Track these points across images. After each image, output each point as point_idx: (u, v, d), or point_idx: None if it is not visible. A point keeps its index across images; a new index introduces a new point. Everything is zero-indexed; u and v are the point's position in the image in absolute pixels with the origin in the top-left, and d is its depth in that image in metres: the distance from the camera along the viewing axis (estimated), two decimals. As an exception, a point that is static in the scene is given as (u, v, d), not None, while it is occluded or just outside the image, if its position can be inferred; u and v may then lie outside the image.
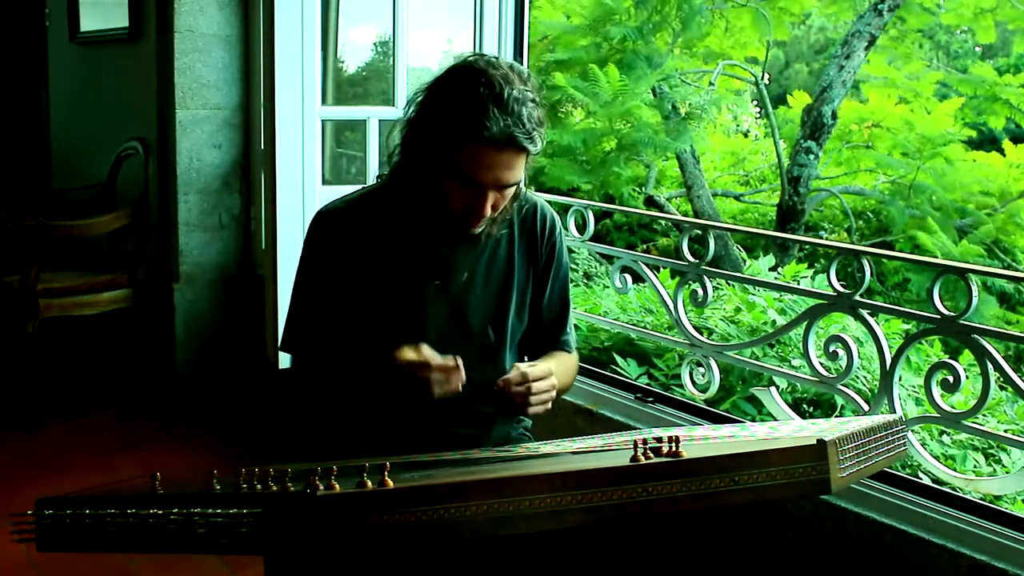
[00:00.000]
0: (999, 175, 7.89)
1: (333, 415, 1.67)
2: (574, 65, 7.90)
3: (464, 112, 1.44)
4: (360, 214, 1.62)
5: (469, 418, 1.62)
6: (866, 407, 2.10)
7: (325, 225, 1.62)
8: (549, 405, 1.56)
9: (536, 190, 2.34)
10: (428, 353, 1.48)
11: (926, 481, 2.02)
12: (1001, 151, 8.65)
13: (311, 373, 1.65)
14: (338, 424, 1.66)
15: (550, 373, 1.55)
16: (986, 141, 9.42)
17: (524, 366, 1.55)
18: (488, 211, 1.50)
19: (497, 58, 1.53)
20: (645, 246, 8.17)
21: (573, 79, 7.52)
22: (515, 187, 1.53)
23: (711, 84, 8.40)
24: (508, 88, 1.45)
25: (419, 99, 1.54)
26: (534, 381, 1.52)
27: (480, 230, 1.57)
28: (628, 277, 2.76)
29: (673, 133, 7.53)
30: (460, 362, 1.47)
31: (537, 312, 1.72)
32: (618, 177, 7.58)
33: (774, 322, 3.33)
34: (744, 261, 7.02)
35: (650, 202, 8.15)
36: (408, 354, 1.47)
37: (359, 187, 1.77)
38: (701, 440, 1.40)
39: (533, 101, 1.47)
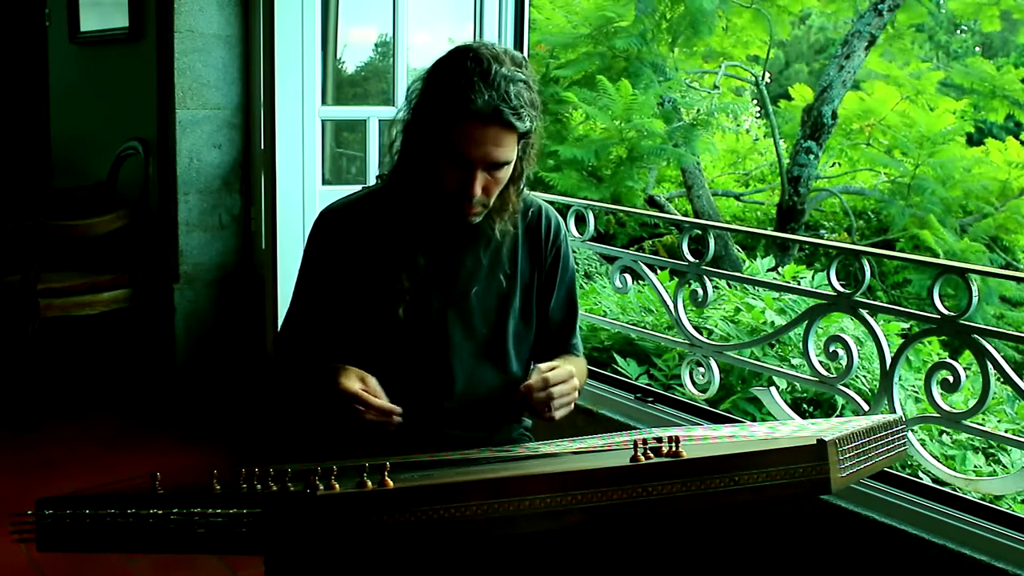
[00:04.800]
0: (999, 171, 7.88)
1: (304, 412, 1.68)
2: (578, 74, 7.90)
3: (452, 88, 1.46)
4: (364, 213, 1.62)
5: (473, 422, 1.62)
6: (866, 407, 2.10)
7: (329, 223, 1.63)
8: (572, 407, 1.55)
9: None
10: (373, 388, 1.49)
11: (926, 481, 2.02)
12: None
13: (289, 370, 1.66)
14: (338, 424, 1.66)
15: (571, 375, 1.55)
16: (986, 138, 9.42)
17: (545, 367, 1.54)
18: (478, 191, 1.49)
19: (493, 44, 1.55)
20: (651, 242, 8.17)
21: (582, 92, 7.52)
22: (506, 168, 1.52)
23: (715, 87, 8.40)
24: (496, 65, 1.46)
25: (416, 86, 1.56)
26: (554, 385, 1.52)
27: (477, 219, 1.57)
28: (628, 277, 2.76)
29: (681, 140, 7.53)
30: (400, 412, 1.48)
31: (544, 317, 1.71)
32: (630, 190, 7.59)
33: (773, 323, 3.33)
34: (744, 262, 7.02)
35: (651, 202, 8.15)
36: (351, 384, 1.48)
37: (361, 187, 1.77)
38: (701, 440, 1.40)
39: (524, 83, 1.48)
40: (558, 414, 1.53)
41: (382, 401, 1.49)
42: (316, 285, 1.63)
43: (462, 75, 1.45)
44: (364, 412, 1.47)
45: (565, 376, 1.54)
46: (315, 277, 1.63)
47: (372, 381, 1.50)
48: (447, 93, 1.47)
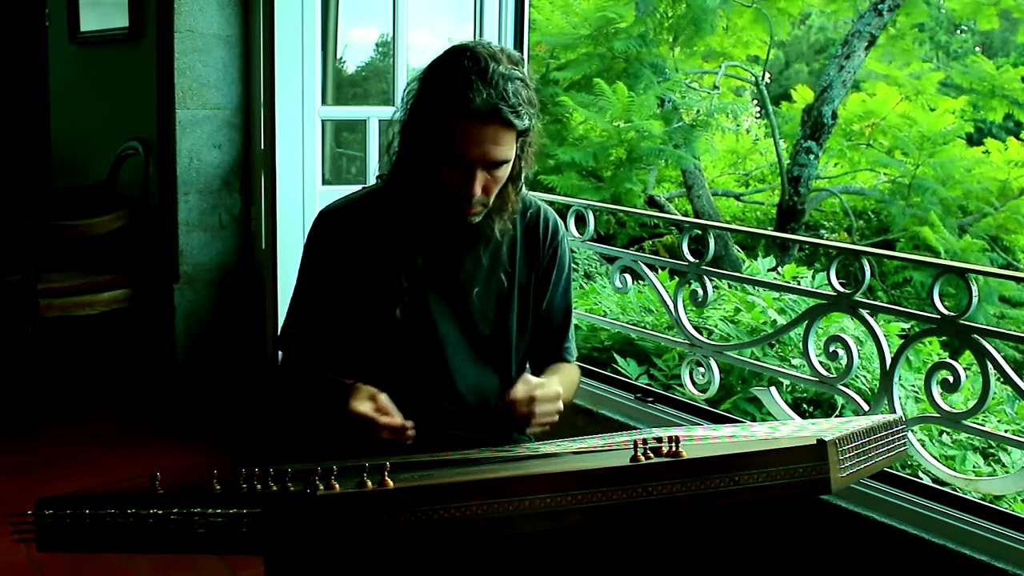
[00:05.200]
0: (999, 171, 7.88)
1: (315, 415, 1.68)
2: (578, 75, 7.89)
3: (450, 87, 1.45)
4: (363, 212, 1.62)
5: (473, 423, 1.62)
6: (866, 407, 2.10)
7: (328, 223, 1.63)
8: (548, 428, 1.55)
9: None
10: (384, 405, 1.48)
11: (926, 481, 2.02)
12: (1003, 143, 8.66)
13: (299, 372, 1.66)
14: (338, 424, 1.66)
15: (558, 396, 1.54)
16: (985, 138, 9.43)
17: (535, 381, 1.53)
18: (477, 190, 1.49)
19: (490, 42, 1.55)
20: (651, 242, 8.18)
21: (579, 95, 7.51)
22: (505, 167, 1.52)
23: (715, 87, 8.39)
24: (493, 64, 1.46)
25: (414, 86, 1.55)
26: (540, 403, 1.51)
27: (476, 219, 1.56)
28: (628, 277, 2.76)
29: (680, 141, 7.52)
30: (411, 425, 1.47)
31: (538, 317, 1.71)
32: (630, 191, 7.58)
33: (774, 322, 3.33)
34: (743, 262, 7.02)
35: (651, 202, 8.15)
36: (361, 407, 1.47)
37: (361, 187, 1.77)
38: (701, 440, 1.40)
39: (521, 81, 1.48)
40: (534, 432, 1.54)
41: (392, 419, 1.47)
42: (318, 285, 1.63)
43: (460, 74, 1.45)
44: (377, 432, 1.46)
45: (551, 396, 1.52)
46: (316, 277, 1.63)
47: (383, 398, 1.49)
48: (445, 92, 1.46)
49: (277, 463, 1.24)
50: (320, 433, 1.68)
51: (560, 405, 1.54)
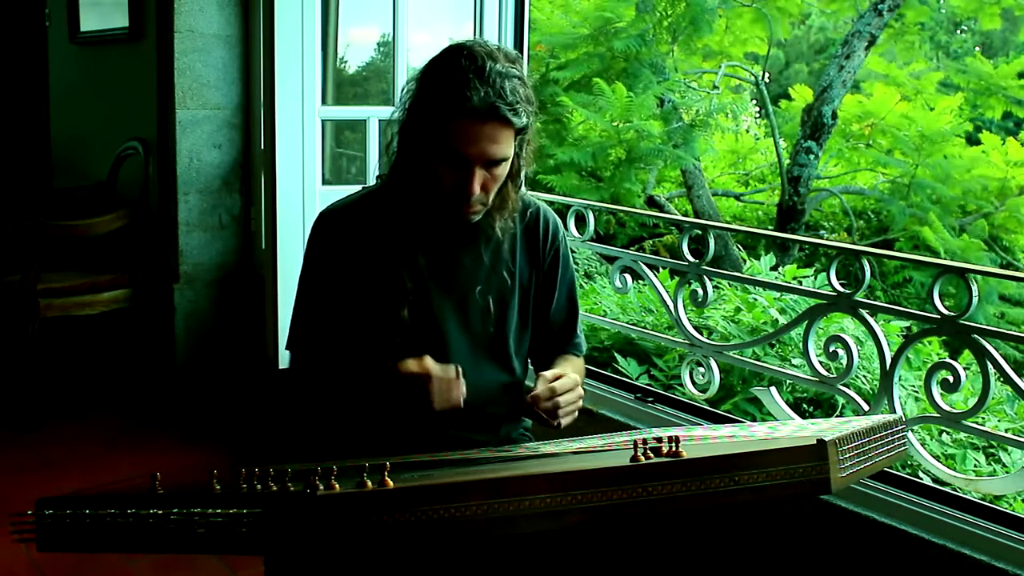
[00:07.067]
0: (997, 170, 7.88)
1: (332, 415, 1.67)
2: (577, 75, 7.90)
3: (447, 86, 1.46)
4: (363, 213, 1.62)
5: (475, 422, 1.62)
6: (866, 407, 2.10)
7: (329, 225, 1.63)
8: (576, 414, 1.56)
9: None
10: (430, 364, 1.48)
11: (926, 481, 2.02)
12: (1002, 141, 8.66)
13: (312, 373, 1.65)
14: (338, 424, 1.66)
15: (576, 384, 1.56)
16: (981, 134, 9.42)
17: (550, 376, 1.55)
18: (476, 189, 1.49)
19: (487, 41, 1.55)
20: (652, 242, 8.17)
21: (579, 95, 7.51)
22: (504, 165, 1.52)
23: (715, 87, 8.38)
24: (491, 62, 1.46)
25: (411, 86, 1.55)
26: (561, 394, 1.52)
27: (476, 218, 1.56)
28: (628, 277, 2.76)
29: (679, 141, 7.52)
30: (461, 372, 1.48)
31: (545, 317, 1.71)
32: (628, 191, 7.59)
33: (775, 321, 3.33)
34: (744, 261, 7.02)
35: (651, 202, 8.15)
36: (410, 365, 1.48)
37: (361, 187, 1.77)
38: (701, 440, 1.40)
39: (519, 79, 1.48)
40: (564, 422, 1.54)
41: (442, 369, 1.47)
42: (322, 287, 1.62)
43: (457, 73, 1.45)
44: (429, 384, 1.46)
45: (571, 385, 1.54)
46: (320, 279, 1.62)
47: (427, 359, 1.49)
48: (442, 92, 1.46)
49: (277, 463, 1.24)
50: (330, 433, 1.67)
51: (580, 391, 1.57)
